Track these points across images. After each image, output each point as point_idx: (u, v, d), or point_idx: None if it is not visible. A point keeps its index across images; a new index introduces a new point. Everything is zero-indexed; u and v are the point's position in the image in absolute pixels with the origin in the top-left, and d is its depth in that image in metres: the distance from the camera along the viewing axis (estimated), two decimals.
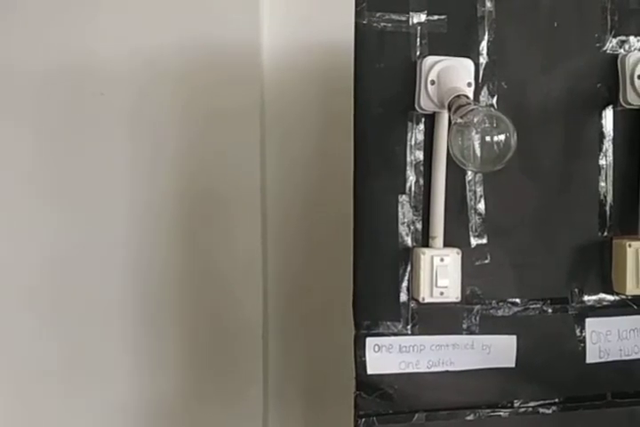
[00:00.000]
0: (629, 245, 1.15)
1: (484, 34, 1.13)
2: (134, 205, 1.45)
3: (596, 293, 1.18)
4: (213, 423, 1.52)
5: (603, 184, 1.18)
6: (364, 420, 1.12)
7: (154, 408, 1.50)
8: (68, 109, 1.42)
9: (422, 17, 1.11)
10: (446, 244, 1.13)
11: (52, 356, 1.45)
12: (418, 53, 1.11)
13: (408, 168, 1.12)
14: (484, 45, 1.13)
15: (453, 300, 1.12)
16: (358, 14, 1.09)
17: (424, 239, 1.13)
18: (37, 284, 1.44)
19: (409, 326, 1.13)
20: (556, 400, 1.17)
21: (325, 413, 1.52)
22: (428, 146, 1.12)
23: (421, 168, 1.12)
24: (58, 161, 1.43)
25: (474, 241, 1.15)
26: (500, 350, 1.15)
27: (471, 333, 1.14)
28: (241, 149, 1.47)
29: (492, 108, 1.05)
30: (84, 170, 1.44)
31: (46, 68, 1.40)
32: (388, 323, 1.12)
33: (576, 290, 1.18)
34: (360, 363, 1.12)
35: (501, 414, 1.16)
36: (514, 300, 1.16)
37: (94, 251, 1.45)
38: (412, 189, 1.12)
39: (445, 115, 1.10)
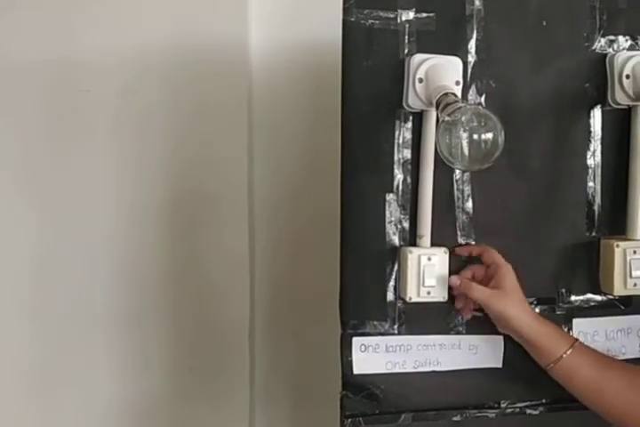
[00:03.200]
0: (617, 246, 1.14)
1: (473, 32, 1.12)
2: (119, 203, 1.44)
3: (583, 293, 1.18)
4: (199, 424, 1.50)
5: (591, 184, 1.18)
6: (350, 420, 1.11)
7: (139, 409, 1.49)
8: (54, 106, 1.41)
9: (411, 14, 1.10)
10: (434, 243, 1.12)
11: (35, 356, 1.44)
12: (406, 51, 1.10)
13: (395, 166, 1.11)
14: (472, 44, 1.13)
15: (440, 299, 1.12)
16: (346, 11, 1.08)
17: (411, 238, 1.12)
18: (21, 283, 1.42)
19: (395, 326, 1.12)
20: (544, 401, 1.17)
21: (313, 413, 1.51)
22: (416, 144, 1.11)
23: (409, 167, 1.12)
24: (42, 159, 1.42)
25: (461, 240, 1.14)
26: (487, 351, 1.14)
27: (458, 333, 1.14)
28: (228, 146, 1.46)
29: (480, 107, 1.04)
30: (69, 168, 1.42)
31: (32, 64, 1.39)
32: (375, 322, 1.11)
33: (563, 290, 1.17)
34: (346, 363, 1.11)
35: (488, 414, 1.15)
36: None
37: (78, 250, 1.43)
38: (400, 187, 1.12)
39: (433, 113, 1.09)
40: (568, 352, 1.07)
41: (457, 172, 1.12)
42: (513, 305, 1.08)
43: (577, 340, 1.09)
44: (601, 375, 1.07)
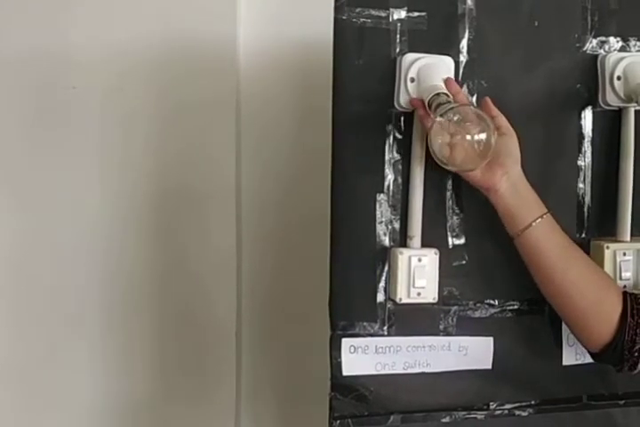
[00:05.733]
0: (607, 247, 1.14)
1: (465, 32, 1.12)
2: (104, 201, 1.43)
3: None
4: (185, 424, 1.49)
5: (581, 185, 1.18)
6: (339, 422, 1.11)
7: (124, 409, 1.47)
8: (39, 102, 1.39)
9: (402, 13, 1.09)
10: (424, 244, 1.11)
11: (17, 356, 1.42)
12: (397, 50, 1.10)
13: (386, 167, 1.11)
14: (464, 43, 1.12)
15: (430, 301, 1.11)
16: (338, 9, 1.07)
17: (402, 239, 1.11)
18: (2, 283, 1.40)
19: (385, 327, 1.11)
20: (532, 402, 1.17)
21: (300, 414, 1.50)
22: (407, 144, 1.11)
23: (400, 167, 1.11)
24: (25, 156, 1.40)
25: (452, 241, 1.13)
26: (476, 352, 1.14)
27: (448, 334, 1.13)
28: (216, 144, 1.45)
29: (473, 107, 1.04)
30: (53, 165, 1.41)
31: (18, 60, 1.37)
32: (365, 324, 1.11)
33: None
34: (335, 364, 1.10)
35: (477, 416, 1.15)
36: (491, 301, 1.15)
37: (61, 249, 1.42)
38: (391, 187, 1.11)
39: None
40: (537, 221, 1.05)
41: (448, 172, 1.12)
42: (487, 173, 1.05)
43: (548, 211, 1.07)
44: (565, 253, 1.07)
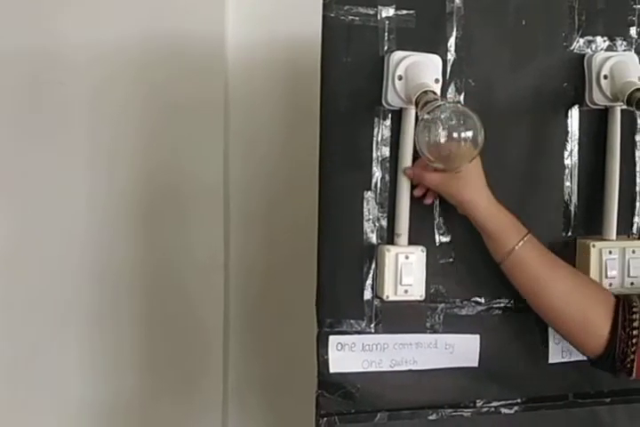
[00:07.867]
0: (593, 246, 1.15)
1: (453, 30, 1.12)
2: (91, 202, 1.43)
3: None
4: (172, 423, 1.49)
5: (568, 184, 1.18)
6: (325, 419, 1.11)
7: (111, 408, 1.47)
8: (25, 98, 1.38)
9: (391, 11, 1.10)
10: (411, 241, 1.11)
11: (5, 355, 1.41)
12: (385, 48, 1.10)
13: (374, 164, 1.11)
14: (452, 42, 1.12)
15: (417, 298, 1.11)
16: (326, 7, 1.07)
17: (389, 237, 1.11)
18: None
19: (372, 325, 1.11)
20: (518, 400, 1.17)
21: (287, 412, 1.50)
22: (395, 142, 1.11)
23: (387, 164, 1.11)
24: (11, 153, 1.39)
25: (438, 239, 1.14)
26: (463, 350, 1.14)
27: (435, 331, 1.13)
28: (204, 144, 1.45)
29: (460, 105, 1.04)
30: (40, 164, 1.41)
31: (4, 55, 1.36)
32: (352, 321, 1.11)
33: None
34: (322, 361, 1.10)
35: (463, 413, 1.15)
36: (478, 299, 1.15)
37: (49, 248, 1.42)
38: (378, 185, 1.11)
39: (412, 111, 1.08)
40: (520, 244, 1.05)
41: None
42: (467, 188, 1.05)
43: (529, 232, 1.07)
44: (549, 274, 1.06)
